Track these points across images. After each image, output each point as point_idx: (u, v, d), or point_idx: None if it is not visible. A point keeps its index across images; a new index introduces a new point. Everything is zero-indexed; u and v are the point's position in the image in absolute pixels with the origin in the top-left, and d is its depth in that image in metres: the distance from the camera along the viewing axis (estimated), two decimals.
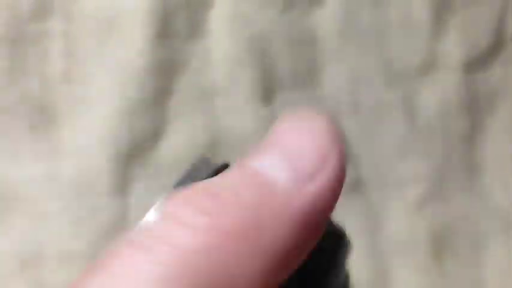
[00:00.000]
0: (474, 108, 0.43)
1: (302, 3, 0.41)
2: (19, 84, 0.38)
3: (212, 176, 0.17)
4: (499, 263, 0.41)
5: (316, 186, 0.16)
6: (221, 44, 0.40)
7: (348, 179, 0.41)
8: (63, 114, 0.38)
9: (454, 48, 0.43)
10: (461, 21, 0.43)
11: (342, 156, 0.17)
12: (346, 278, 0.22)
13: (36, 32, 0.38)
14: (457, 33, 0.43)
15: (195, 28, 0.40)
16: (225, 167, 0.19)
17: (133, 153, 0.38)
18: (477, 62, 0.43)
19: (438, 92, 0.43)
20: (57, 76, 0.38)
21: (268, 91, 0.41)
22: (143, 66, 0.38)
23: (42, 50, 0.38)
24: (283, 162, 0.16)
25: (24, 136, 0.38)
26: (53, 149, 0.38)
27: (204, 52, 0.40)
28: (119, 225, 0.38)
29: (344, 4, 0.42)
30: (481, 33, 0.43)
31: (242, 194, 0.15)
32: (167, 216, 0.15)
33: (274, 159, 0.16)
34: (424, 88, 0.43)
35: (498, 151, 0.43)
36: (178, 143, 0.39)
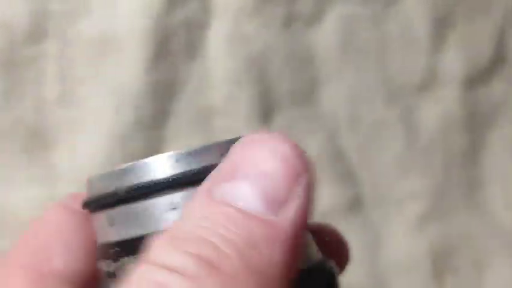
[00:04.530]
0: (475, 124, 0.43)
1: (300, 22, 0.41)
2: (14, 107, 0.37)
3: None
4: (501, 283, 0.41)
5: (288, 214, 0.16)
6: (219, 64, 0.39)
7: (347, 197, 0.41)
8: (58, 137, 0.38)
9: (454, 64, 0.43)
10: (462, 37, 0.43)
11: (311, 180, 0.17)
12: None
13: (31, 55, 0.37)
14: (457, 49, 0.43)
15: (193, 48, 0.39)
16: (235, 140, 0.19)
17: None
18: (477, 78, 0.43)
19: (438, 108, 0.43)
20: (52, 99, 0.38)
21: (266, 110, 0.40)
22: (140, 87, 0.38)
23: (37, 73, 0.37)
24: (254, 190, 0.16)
25: (19, 159, 0.37)
26: (47, 172, 0.38)
27: (202, 72, 0.39)
28: None
29: (342, 22, 0.41)
30: (481, 49, 0.43)
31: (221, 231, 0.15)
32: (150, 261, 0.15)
33: (244, 187, 0.16)
34: (424, 104, 0.43)
35: (499, 167, 0.43)
36: None
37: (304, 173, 0.16)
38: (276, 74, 0.40)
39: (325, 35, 0.41)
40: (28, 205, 0.38)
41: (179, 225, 0.16)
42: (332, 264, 0.20)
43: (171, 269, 0.15)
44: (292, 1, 0.40)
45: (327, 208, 0.40)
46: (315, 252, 0.19)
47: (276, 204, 0.16)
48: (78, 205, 0.21)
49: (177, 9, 0.38)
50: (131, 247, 0.18)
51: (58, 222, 0.21)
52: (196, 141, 0.39)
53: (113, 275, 0.19)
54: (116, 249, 0.19)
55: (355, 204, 0.41)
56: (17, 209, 0.37)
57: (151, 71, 0.38)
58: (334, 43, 0.41)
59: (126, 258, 0.19)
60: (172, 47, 0.39)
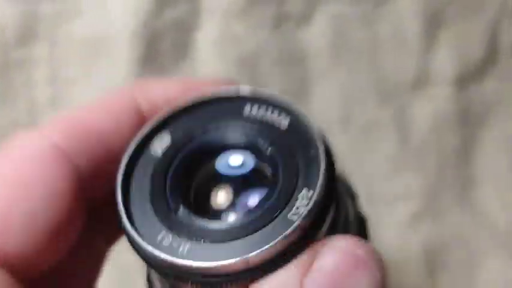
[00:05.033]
0: (467, 123, 0.43)
1: (290, 22, 0.41)
2: (6, 110, 0.38)
3: None
4: (494, 283, 0.41)
5: None
6: (209, 65, 0.40)
7: None
8: None
9: (446, 63, 0.43)
10: (453, 36, 0.43)
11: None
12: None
13: (22, 57, 0.38)
14: (449, 48, 0.43)
15: (183, 50, 0.39)
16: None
17: None
18: (470, 77, 0.43)
19: (431, 108, 0.43)
20: (44, 101, 0.38)
21: None
22: None
23: (28, 76, 0.38)
24: None
25: None
26: None
27: (191, 73, 0.39)
28: None
29: (333, 22, 0.41)
30: (473, 48, 0.43)
31: None
32: None
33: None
34: (416, 104, 0.42)
35: (492, 167, 0.43)
36: None
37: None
38: (267, 74, 0.40)
39: (316, 35, 0.41)
40: None
41: None
42: None
43: None
44: (282, 1, 0.40)
45: None
46: None
47: None
48: (77, 153, 0.15)
49: (166, 10, 0.39)
50: None
51: (37, 172, 0.14)
52: None
53: None
54: None
55: None
56: None
57: (141, 72, 0.38)
58: (325, 43, 0.41)
59: None
60: (162, 48, 0.39)
